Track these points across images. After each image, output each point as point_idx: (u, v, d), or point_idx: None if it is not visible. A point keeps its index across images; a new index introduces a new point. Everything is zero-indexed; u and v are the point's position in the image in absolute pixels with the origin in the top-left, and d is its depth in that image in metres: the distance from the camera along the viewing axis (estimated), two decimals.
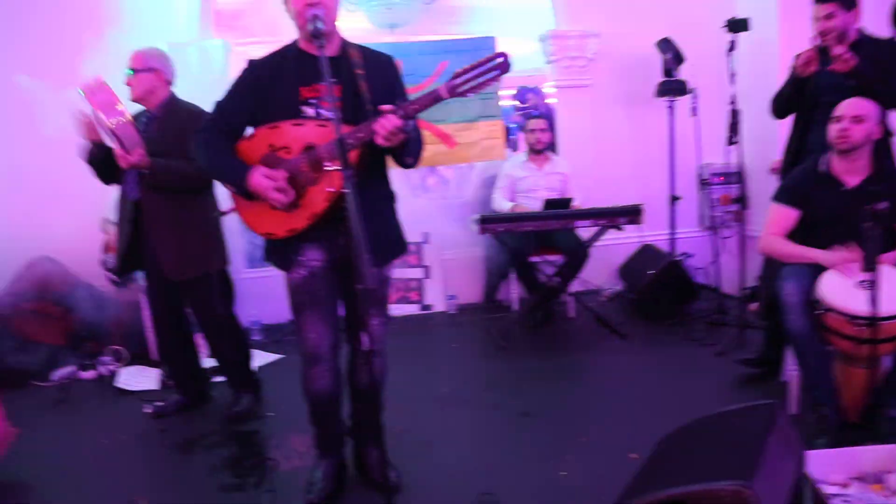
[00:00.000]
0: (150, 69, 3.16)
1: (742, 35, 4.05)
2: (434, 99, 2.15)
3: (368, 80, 2.29)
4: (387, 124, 2.09)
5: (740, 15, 4.11)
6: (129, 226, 3.25)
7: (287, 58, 2.31)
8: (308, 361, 2.47)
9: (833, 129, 2.88)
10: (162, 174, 3.04)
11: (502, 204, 4.78)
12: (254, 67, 2.33)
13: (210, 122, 2.36)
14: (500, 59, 2.11)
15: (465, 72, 2.13)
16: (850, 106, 2.84)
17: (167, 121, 3.17)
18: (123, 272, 3.51)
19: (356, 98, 2.26)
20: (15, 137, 4.56)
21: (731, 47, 3.88)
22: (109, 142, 3.00)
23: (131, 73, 3.14)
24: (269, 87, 2.28)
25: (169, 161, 3.04)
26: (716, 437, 2.11)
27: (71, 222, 4.58)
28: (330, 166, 2.17)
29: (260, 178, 2.20)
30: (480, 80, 2.13)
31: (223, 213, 3.28)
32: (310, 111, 2.27)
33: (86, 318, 4.50)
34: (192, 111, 3.19)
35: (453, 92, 2.14)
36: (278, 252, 2.40)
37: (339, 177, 2.07)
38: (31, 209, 4.62)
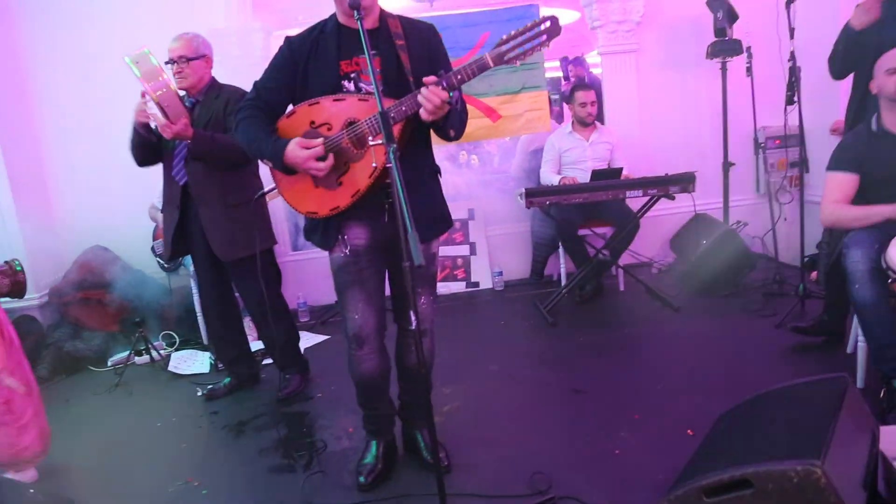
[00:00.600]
0: (201, 56, 3.17)
1: None
2: (480, 68, 2.04)
3: (409, 51, 2.22)
4: (431, 97, 2.00)
5: None
6: (176, 210, 3.27)
7: (325, 32, 2.24)
8: (353, 343, 2.42)
9: (890, 83, 2.69)
10: (205, 144, 3.03)
11: (550, 177, 4.66)
12: (291, 44, 2.25)
13: (249, 100, 2.31)
14: (548, 24, 1.99)
15: (512, 38, 2.01)
16: None
17: (210, 103, 3.18)
18: (172, 257, 3.54)
19: (398, 70, 2.19)
20: (67, 134, 4.67)
21: None
22: (154, 116, 2.99)
23: (184, 62, 3.13)
24: (308, 62, 2.22)
25: (214, 135, 3.06)
26: (781, 414, 2.00)
27: (122, 212, 4.69)
28: (374, 141, 2.10)
29: (295, 149, 2.14)
30: (528, 45, 2.01)
31: (265, 194, 3.26)
32: (350, 86, 2.21)
33: (137, 304, 4.58)
34: (234, 91, 3.19)
35: (500, 59, 2.03)
36: (319, 230, 2.35)
37: (383, 152, 2.00)
38: (85, 201, 4.73)
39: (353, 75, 2.20)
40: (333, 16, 2.26)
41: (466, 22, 4.83)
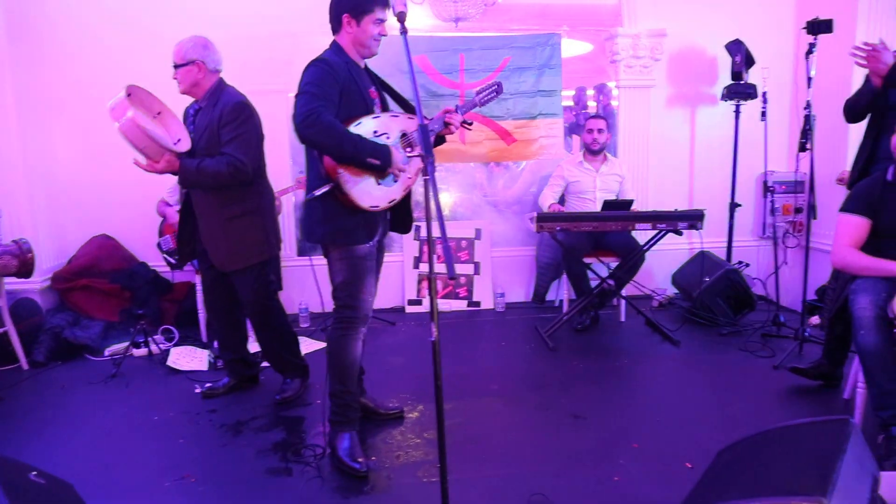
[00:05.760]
0: (190, 62, 3.12)
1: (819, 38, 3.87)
2: (472, 105, 2.92)
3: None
4: (457, 120, 2.79)
5: (816, 16, 3.90)
6: (188, 216, 3.29)
7: (349, 63, 2.66)
8: (360, 323, 2.75)
9: None
10: (190, 177, 3.04)
11: (546, 201, 4.72)
12: (332, 67, 2.56)
13: (323, 107, 2.47)
14: (496, 86, 2.95)
15: (479, 91, 2.95)
16: None
17: (209, 110, 3.16)
18: (182, 259, 3.54)
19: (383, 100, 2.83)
20: (80, 121, 4.69)
21: (811, 50, 3.71)
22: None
23: (176, 68, 3.14)
24: (347, 86, 2.59)
25: (201, 164, 3.03)
26: (785, 452, 2.01)
27: (129, 203, 4.71)
28: (412, 153, 2.69)
29: (397, 153, 2.61)
30: (485, 100, 2.95)
31: (284, 192, 3.29)
32: (377, 110, 2.72)
33: (139, 296, 4.58)
34: (229, 101, 3.12)
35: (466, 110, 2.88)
36: (362, 226, 2.68)
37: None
38: (93, 189, 4.75)
39: (377, 101, 2.75)
40: (340, 50, 2.67)
41: (489, 45, 4.89)
